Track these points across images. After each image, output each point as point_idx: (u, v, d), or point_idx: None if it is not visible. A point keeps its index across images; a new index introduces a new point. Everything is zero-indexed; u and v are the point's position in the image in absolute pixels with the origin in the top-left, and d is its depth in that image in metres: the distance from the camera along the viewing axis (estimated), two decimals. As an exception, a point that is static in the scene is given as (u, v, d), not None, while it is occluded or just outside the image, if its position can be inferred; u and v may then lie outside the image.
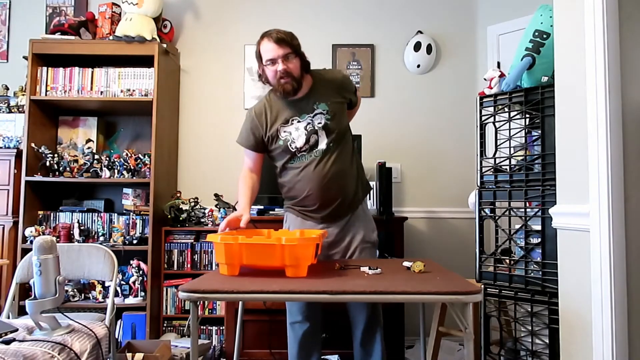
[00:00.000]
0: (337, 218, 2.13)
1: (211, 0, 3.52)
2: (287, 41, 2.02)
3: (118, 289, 3.02)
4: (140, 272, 3.03)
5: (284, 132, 2.09)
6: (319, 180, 2.06)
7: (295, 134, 2.08)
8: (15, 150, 3.08)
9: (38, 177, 3.04)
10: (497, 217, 2.32)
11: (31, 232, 3.00)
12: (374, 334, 2.13)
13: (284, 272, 1.62)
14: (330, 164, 2.07)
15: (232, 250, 1.63)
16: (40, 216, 3.16)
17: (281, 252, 1.60)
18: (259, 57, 2.06)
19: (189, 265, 3.10)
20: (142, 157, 3.11)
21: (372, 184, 3.13)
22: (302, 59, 2.08)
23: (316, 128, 2.07)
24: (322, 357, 2.63)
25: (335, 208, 2.10)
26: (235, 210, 2.13)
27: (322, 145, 2.07)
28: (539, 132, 2.14)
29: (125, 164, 3.09)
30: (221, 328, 3.05)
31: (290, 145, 2.08)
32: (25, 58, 3.16)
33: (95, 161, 3.10)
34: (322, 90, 2.12)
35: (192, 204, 3.19)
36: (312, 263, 1.68)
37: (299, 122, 2.08)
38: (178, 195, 3.24)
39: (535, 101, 2.14)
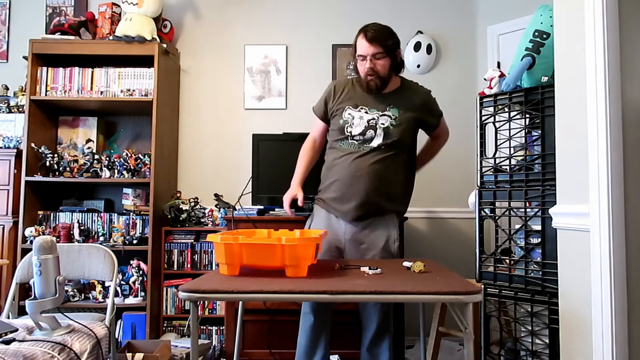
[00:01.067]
0: (358, 218, 2.13)
1: (211, 0, 3.52)
2: (381, 40, 2.08)
3: (118, 289, 3.02)
4: (140, 272, 3.03)
5: (348, 114, 2.15)
6: (351, 172, 2.10)
7: (356, 121, 2.12)
8: (15, 150, 3.08)
9: (38, 177, 3.04)
10: (497, 217, 2.32)
11: (31, 232, 2.99)
12: (382, 340, 2.15)
13: (284, 272, 1.62)
14: (371, 163, 2.09)
15: (232, 250, 1.63)
16: (40, 216, 3.16)
17: (281, 252, 1.60)
18: (354, 49, 2.14)
19: (189, 265, 3.10)
20: (142, 157, 3.11)
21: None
22: (393, 59, 2.13)
23: (377, 126, 2.11)
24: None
25: (354, 208, 2.11)
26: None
27: (374, 143, 2.10)
28: (539, 132, 2.14)
29: (125, 164, 3.09)
30: (221, 328, 3.05)
31: (347, 129, 2.14)
32: (25, 58, 3.16)
33: (95, 161, 3.10)
34: (402, 98, 2.17)
35: (192, 204, 3.19)
36: (312, 263, 1.68)
37: (366, 112, 2.13)
38: (178, 195, 3.24)
39: (535, 101, 2.14)
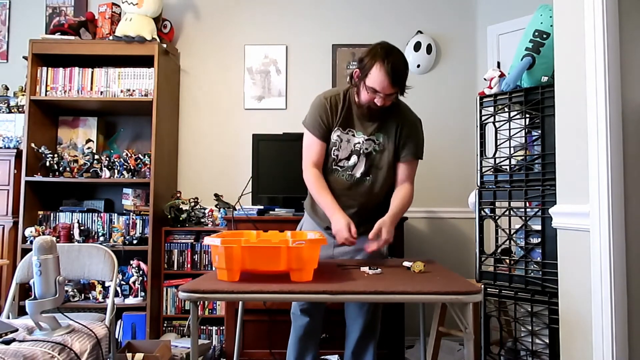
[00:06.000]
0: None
1: (211, 0, 3.52)
2: (401, 82, 1.94)
3: (118, 289, 3.02)
4: (140, 272, 3.03)
5: (337, 135, 2.05)
6: (342, 204, 2.01)
7: (344, 144, 2.04)
8: (15, 151, 3.08)
9: (38, 177, 3.04)
10: (497, 217, 2.32)
11: (31, 232, 2.99)
12: (367, 345, 2.10)
13: (288, 277, 1.54)
14: (360, 195, 2.04)
15: (232, 254, 1.51)
16: (40, 216, 3.16)
17: (287, 255, 1.50)
18: (366, 70, 1.94)
19: (189, 266, 3.10)
20: (142, 157, 3.11)
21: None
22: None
23: (361, 151, 2.04)
24: (322, 357, 2.64)
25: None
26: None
27: (357, 172, 2.04)
28: (539, 132, 2.14)
29: (125, 164, 3.09)
30: (221, 328, 3.05)
31: (333, 152, 2.05)
32: (25, 58, 3.16)
33: (95, 161, 3.10)
34: (390, 122, 2.05)
35: (192, 204, 3.19)
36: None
37: (352, 135, 2.05)
38: (178, 195, 3.24)
39: (535, 101, 2.14)
